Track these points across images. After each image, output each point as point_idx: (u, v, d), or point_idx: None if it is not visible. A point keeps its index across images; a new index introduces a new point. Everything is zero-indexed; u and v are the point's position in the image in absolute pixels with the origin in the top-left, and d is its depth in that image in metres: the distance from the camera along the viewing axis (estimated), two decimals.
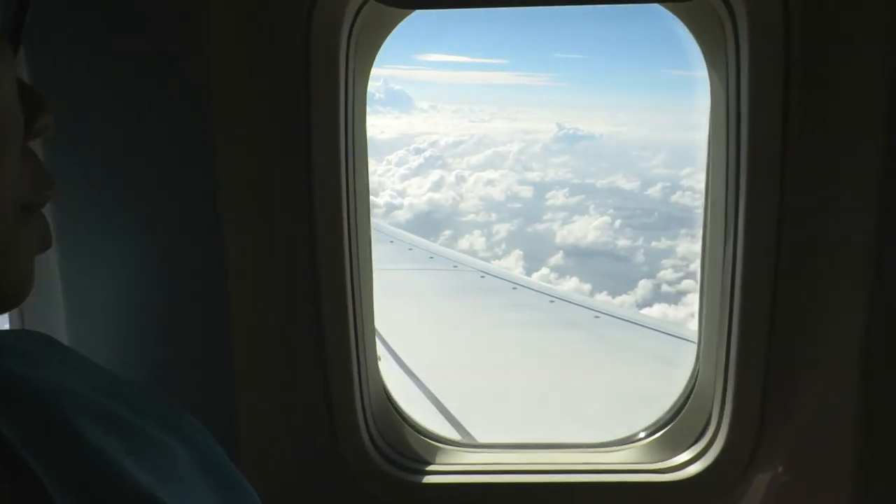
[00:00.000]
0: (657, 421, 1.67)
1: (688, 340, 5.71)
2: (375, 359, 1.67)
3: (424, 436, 1.67)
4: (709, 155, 1.53)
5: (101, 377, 0.68)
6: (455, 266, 8.43)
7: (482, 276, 7.83)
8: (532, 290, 7.33)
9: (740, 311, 1.42)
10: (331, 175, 1.40)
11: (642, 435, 1.69)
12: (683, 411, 1.62)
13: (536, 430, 3.81)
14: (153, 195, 1.35)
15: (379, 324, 5.22)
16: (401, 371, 4.63)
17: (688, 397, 1.63)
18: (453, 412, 3.90)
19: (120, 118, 1.32)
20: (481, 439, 3.64)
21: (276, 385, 1.49)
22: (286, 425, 1.52)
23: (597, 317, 6.23)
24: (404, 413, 1.69)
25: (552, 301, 6.79)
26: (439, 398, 4.10)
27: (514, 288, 7.35)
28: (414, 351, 5.00)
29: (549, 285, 8.30)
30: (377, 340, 5.10)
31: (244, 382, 1.45)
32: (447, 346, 5.41)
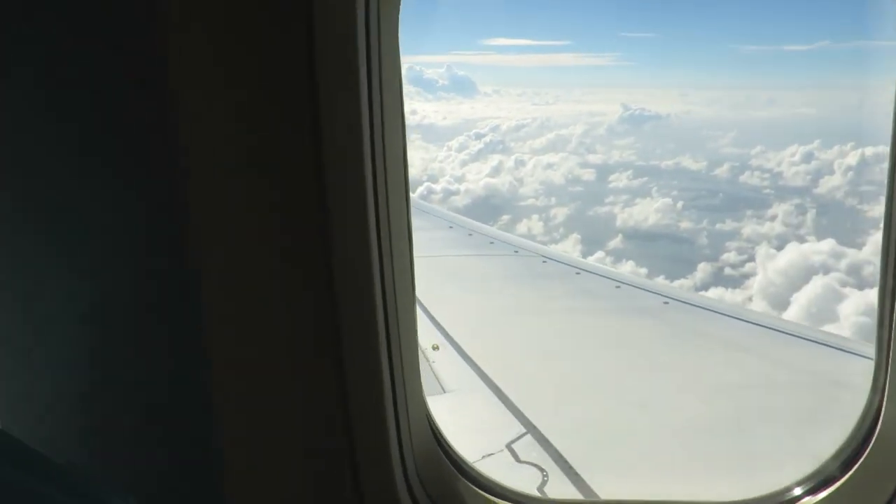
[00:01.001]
0: (818, 472, 1.27)
1: (761, 326, 5.39)
2: (419, 385, 1.32)
3: (484, 490, 1.30)
4: None
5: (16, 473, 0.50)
6: (516, 251, 8.23)
7: (544, 262, 7.60)
8: (597, 275, 7.06)
9: None
10: (350, 164, 1.10)
11: (798, 492, 1.28)
12: (860, 463, 1.21)
13: (608, 426, 3.62)
14: (109, 194, 1.09)
15: (438, 311, 5.03)
16: (461, 360, 4.47)
17: (863, 443, 1.22)
18: (519, 405, 3.72)
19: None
20: (548, 433, 3.46)
21: (277, 423, 1.14)
22: (294, 480, 1.17)
23: (666, 303, 5.94)
24: (458, 458, 1.31)
25: (618, 287, 6.52)
26: (503, 390, 3.93)
27: (578, 273, 7.10)
28: (475, 339, 4.84)
29: (614, 270, 7.99)
30: (436, 330, 4.87)
31: (228, 415, 1.12)
32: (510, 334, 5.22)
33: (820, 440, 3.40)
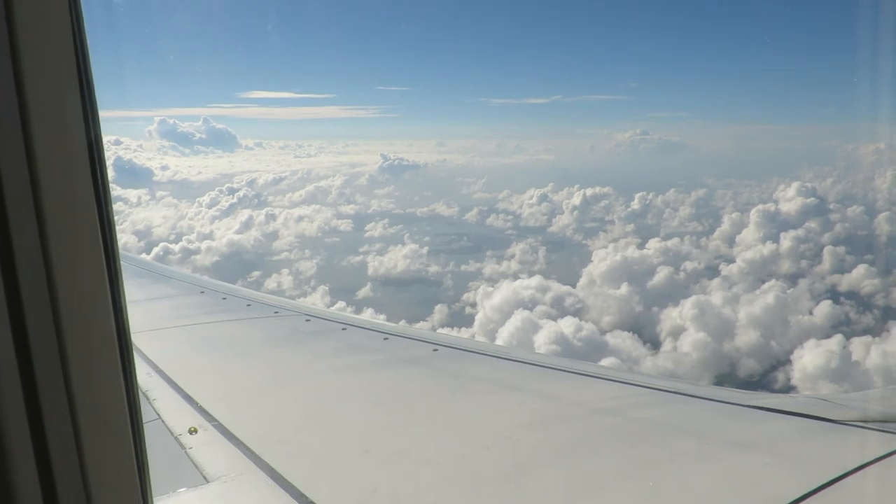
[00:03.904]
0: None
1: (528, 363, 5.56)
2: None
3: None
4: None
5: None
6: (276, 312, 7.79)
7: (307, 320, 7.28)
8: (363, 328, 6.90)
9: None
10: None
11: None
12: None
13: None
14: None
15: (195, 388, 4.46)
16: (225, 441, 3.97)
17: None
18: (296, 484, 3.34)
19: None
20: None
21: None
22: None
23: (435, 350, 5.92)
24: None
25: (386, 338, 6.41)
26: (276, 468, 3.52)
27: (344, 328, 6.88)
28: (240, 415, 4.35)
29: (382, 322, 7.92)
30: (193, 410, 4.31)
31: None
32: (280, 403, 4.79)
33: (595, 465, 3.48)
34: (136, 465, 1.04)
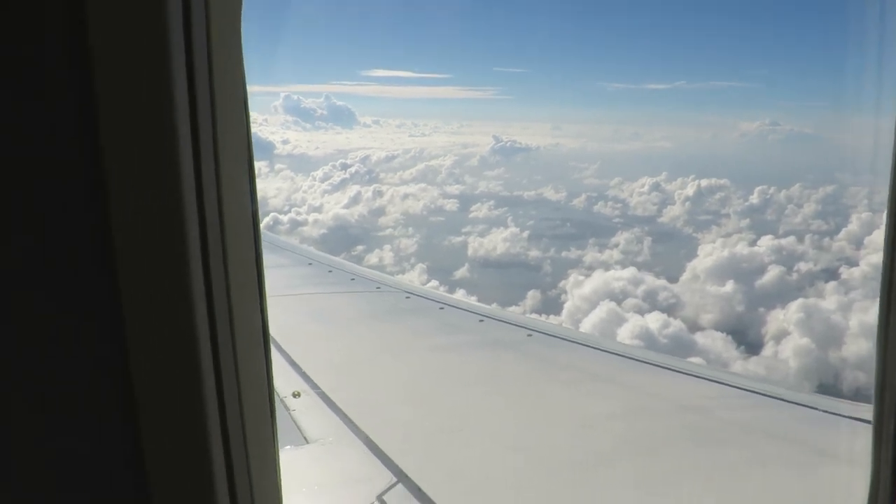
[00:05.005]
0: None
1: (620, 355, 5.57)
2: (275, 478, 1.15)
3: None
4: None
5: None
6: (378, 287, 8.11)
7: (407, 297, 7.54)
8: (460, 309, 7.08)
9: None
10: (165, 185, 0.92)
11: None
12: None
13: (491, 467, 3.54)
14: None
15: (300, 355, 4.75)
16: (325, 406, 4.25)
17: None
18: (389, 453, 3.55)
19: None
20: (420, 481, 3.31)
21: None
22: None
23: (529, 335, 6.02)
24: None
25: (481, 320, 6.56)
26: (371, 437, 3.75)
27: (441, 308, 7.09)
28: (340, 383, 4.63)
29: (478, 304, 8.07)
30: (298, 376, 4.59)
31: None
32: (377, 375, 5.05)
33: (673, 462, 3.50)
34: (270, 416, 1.22)
